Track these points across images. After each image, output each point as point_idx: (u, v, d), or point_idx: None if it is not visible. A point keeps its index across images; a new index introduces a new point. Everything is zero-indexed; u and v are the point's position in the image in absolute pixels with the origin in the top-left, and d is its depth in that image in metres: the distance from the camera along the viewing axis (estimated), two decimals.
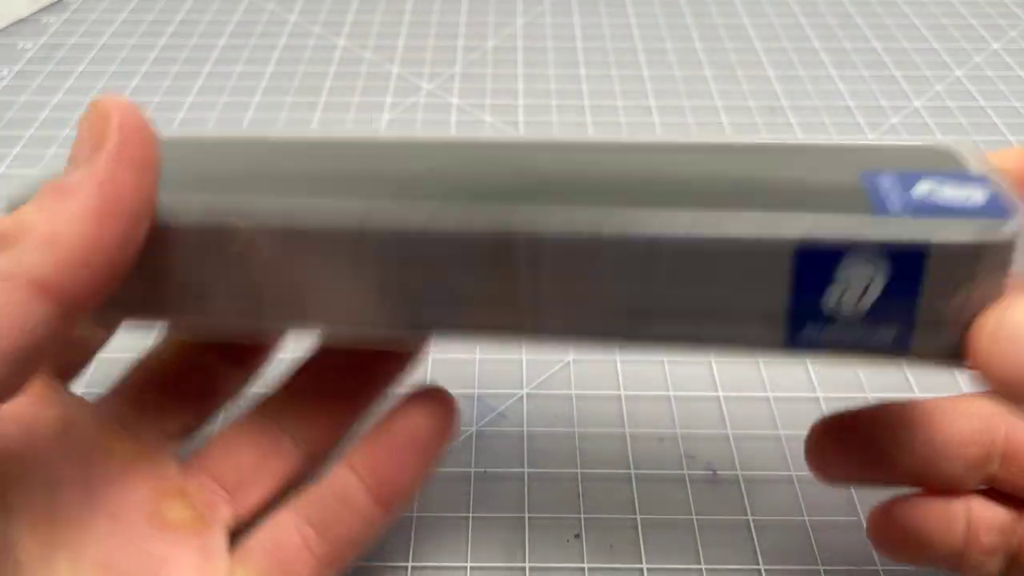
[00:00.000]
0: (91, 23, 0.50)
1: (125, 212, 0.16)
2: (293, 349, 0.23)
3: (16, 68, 0.46)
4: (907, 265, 0.15)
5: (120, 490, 0.19)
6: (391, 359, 0.23)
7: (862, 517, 0.25)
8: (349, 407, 0.22)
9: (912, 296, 0.15)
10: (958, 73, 0.46)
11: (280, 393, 0.22)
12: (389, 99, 0.44)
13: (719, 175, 0.17)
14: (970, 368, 0.15)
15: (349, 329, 0.18)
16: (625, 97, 0.44)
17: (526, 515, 0.25)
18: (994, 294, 0.15)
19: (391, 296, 0.17)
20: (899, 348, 0.16)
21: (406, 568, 0.24)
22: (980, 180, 0.16)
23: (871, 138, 0.38)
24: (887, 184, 0.16)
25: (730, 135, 0.19)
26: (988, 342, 0.15)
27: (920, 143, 0.18)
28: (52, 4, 0.52)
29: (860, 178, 0.16)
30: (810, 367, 0.30)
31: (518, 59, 0.48)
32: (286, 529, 0.20)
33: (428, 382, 0.21)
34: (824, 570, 0.24)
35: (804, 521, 0.25)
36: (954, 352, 0.15)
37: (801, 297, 0.15)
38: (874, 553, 0.24)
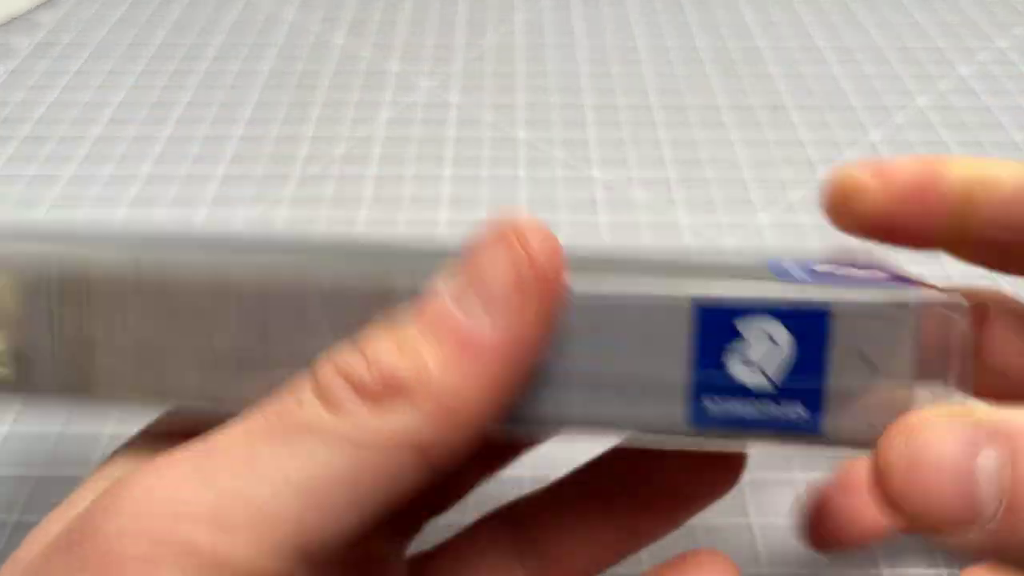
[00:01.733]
0: (86, 21, 0.50)
1: (519, 380, 0.14)
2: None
3: (11, 66, 0.46)
4: (811, 327, 0.14)
5: None
6: (699, 480, 0.19)
7: None
8: (612, 544, 0.19)
9: (818, 365, 0.14)
10: (963, 71, 0.45)
11: (528, 505, 0.20)
12: (388, 97, 0.44)
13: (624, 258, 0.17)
14: (874, 486, 0.14)
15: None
16: (626, 95, 0.44)
17: None
18: (904, 383, 0.14)
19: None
20: (811, 429, 0.15)
21: None
22: (881, 265, 0.16)
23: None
24: (791, 264, 0.16)
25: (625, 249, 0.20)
26: (900, 465, 0.13)
27: None
28: (46, 2, 0.52)
29: (767, 263, 0.17)
30: None
31: (517, 57, 0.47)
32: None
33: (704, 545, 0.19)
34: (825, 571, 0.23)
35: None
36: (870, 441, 0.14)
37: (702, 360, 0.14)
38: (875, 553, 0.24)
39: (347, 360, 0.13)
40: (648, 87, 0.44)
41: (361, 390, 0.13)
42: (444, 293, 0.14)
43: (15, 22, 0.50)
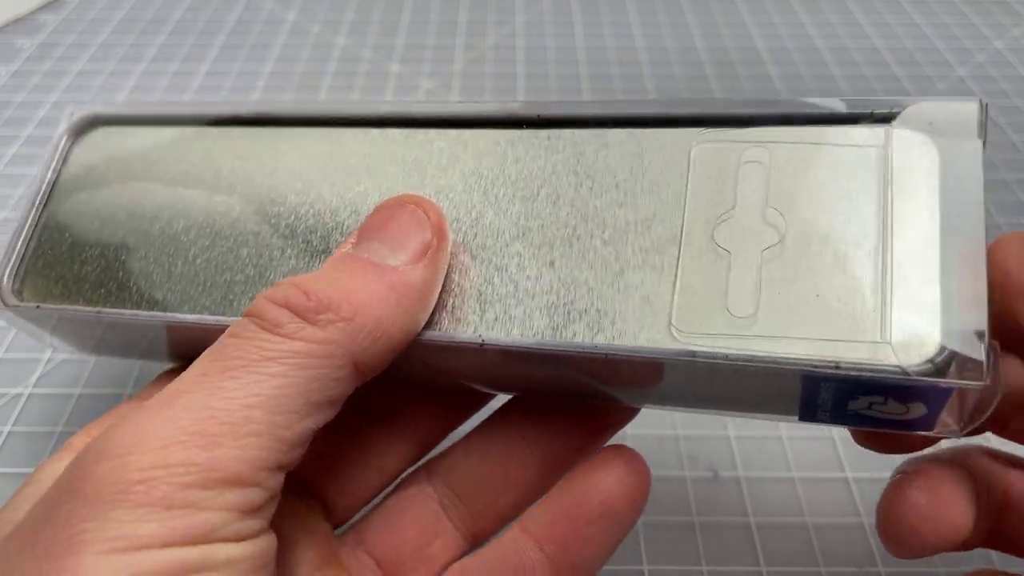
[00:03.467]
0: (89, 22, 0.50)
1: (427, 312, 0.17)
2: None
3: (13, 67, 0.46)
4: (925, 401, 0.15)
5: (291, 548, 0.18)
6: (596, 424, 0.20)
7: (863, 517, 0.25)
8: (534, 481, 0.20)
9: (930, 417, 0.16)
10: (960, 72, 0.45)
11: (445, 459, 0.20)
12: (388, 98, 0.44)
13: None
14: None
15: None
16: (626, 96, 0.44)
17: None
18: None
19: None
20: (917, 429, 0.16)
21: None
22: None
23: None
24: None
25: None
26: None
27: None
28: (50, 3, 0.52)
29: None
30: None
31: (518, 58, 0.47)
32: None
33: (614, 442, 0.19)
34: (825, 571, 0.24)
35: (805, 521, 0.25)
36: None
37: (810, 404, 0.16)
38: (875, 553, 0.24)
39: (285, 294, 0.15)
40: (647, 88, 0.45)
41: (303, 313, 0.15)
42: (360, 249, 0.16)
43: (18, 23, 0.50)
